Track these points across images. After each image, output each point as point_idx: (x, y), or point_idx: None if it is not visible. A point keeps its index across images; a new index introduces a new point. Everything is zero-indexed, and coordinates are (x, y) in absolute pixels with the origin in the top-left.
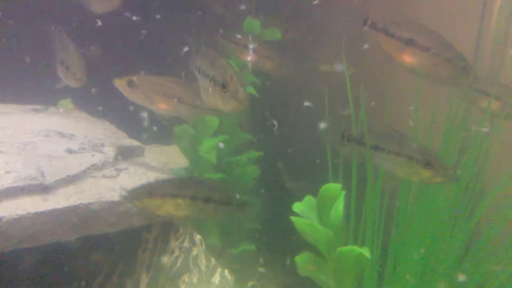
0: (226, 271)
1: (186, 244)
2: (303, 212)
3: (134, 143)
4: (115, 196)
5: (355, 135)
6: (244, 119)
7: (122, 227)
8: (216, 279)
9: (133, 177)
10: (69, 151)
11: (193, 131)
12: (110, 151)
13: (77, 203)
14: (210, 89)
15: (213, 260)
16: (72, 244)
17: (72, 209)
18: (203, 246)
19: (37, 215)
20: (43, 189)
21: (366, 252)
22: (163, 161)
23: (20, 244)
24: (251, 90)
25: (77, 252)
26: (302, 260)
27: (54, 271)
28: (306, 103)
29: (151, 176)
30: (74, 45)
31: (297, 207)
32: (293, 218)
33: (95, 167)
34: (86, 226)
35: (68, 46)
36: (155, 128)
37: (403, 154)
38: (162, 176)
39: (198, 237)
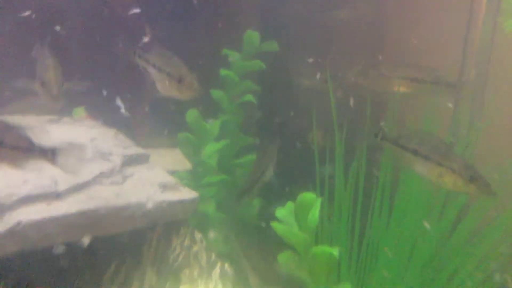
0: (226, 265)
1: (186, 242)
2: (284, 216)
3: (140, 151)
4: (121, 202)
5: (390, 135)
6: (248, 123)
7: (127, 228)
8: (216, 272)
9: (138, 183)
10: (80, 160)
11: (194, 138)
12: (117, 160)
13: (86, 208)
14: (167, 82)
15: (213, 255)
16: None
17: (82, 214)
18: (204, 243)
19: (51, 219)
20: (57, 196)
21: (335, 251)
22: (167, 165)
23: (37, 244)
24: (250, 98)
25: (89, 249)
26: (283, 258)
27: (68, 265)
28: None
29: (155, 182)
30: (54, 58)
31: (279, 212)
32: (273, 224)
33: (103, 175)
34: (94, 228)
35: (46, 58)
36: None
37: (446, 165)
38: (166, 180)
39: (199, 236)
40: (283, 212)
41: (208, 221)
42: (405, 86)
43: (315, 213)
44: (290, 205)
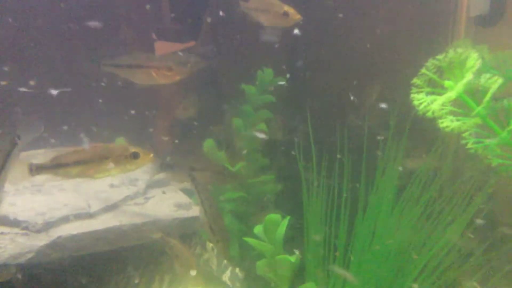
0: (237, 269)
1: (198, 251)
2: (260, 233)
3: (163, 176)
4: (141, 219)
5: None
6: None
7: (146, 241)
8: (227, 275)
9: (158, 203)
10: (112, 186)
11: None
12: (142, 184)
13: (112, 225)
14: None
15: (224, 261)
16: (117, 253)
17: (108, 230)
18: (215, 252)
19: (85, 234)
20: (89, 215)
21: (293, 259)
22: (186, 187)
23: (74, 253)
24: (263, 126)
25: (119, 256)
26: (260, 264)
27: (102, 270)
28: None
29: (171, 202)
30: None
31: (256, 229)
32: (246, 238)
33: (129, 198)
34: (118, 241)
35: None
36: None
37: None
38: (181, 201)
39: (210, 245)
40: (259, 229)
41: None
42: None
43: (281, 230)
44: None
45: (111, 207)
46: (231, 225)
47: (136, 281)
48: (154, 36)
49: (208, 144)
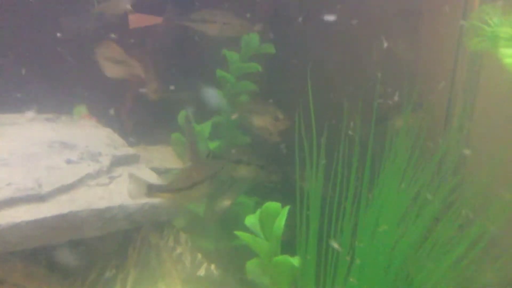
0: (212, 266)
1: (170, 243)
2: (253, 224)
3: (130, 151)
4: (103, 204)
5: None
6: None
7: (109, 230)
8: (202, 272)
9: (124, 184)
10: (68, 161)
11: (184, 139)
12: (106, 160)
13: (67, 211)
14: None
15: (199, 256)
16: (72, 243)
17: (63, 217)
18: (189, 244)
19: (31, 222)
20: (40, 198)
21: (295, 261)
22: (156, 166)
23: (17, 247)
24: (245, 98)
25: (76, 249)
26: (251, 265)
27: (56, 265)
28: None
29: None
30: None
31: (248, 220)
32: (237, 232)
33: (89, 176)
34: (75, 230)
35: None
36: None
37: None
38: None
39: (184, 237)
40: (253, 220)
41: (198, 220)
42: None
43: (280, 223)
44: (258, 213)
45: (67, 188)
46: (206, 212)
47: (96, 277)
48: (130, 7)
49: (183, 115)
